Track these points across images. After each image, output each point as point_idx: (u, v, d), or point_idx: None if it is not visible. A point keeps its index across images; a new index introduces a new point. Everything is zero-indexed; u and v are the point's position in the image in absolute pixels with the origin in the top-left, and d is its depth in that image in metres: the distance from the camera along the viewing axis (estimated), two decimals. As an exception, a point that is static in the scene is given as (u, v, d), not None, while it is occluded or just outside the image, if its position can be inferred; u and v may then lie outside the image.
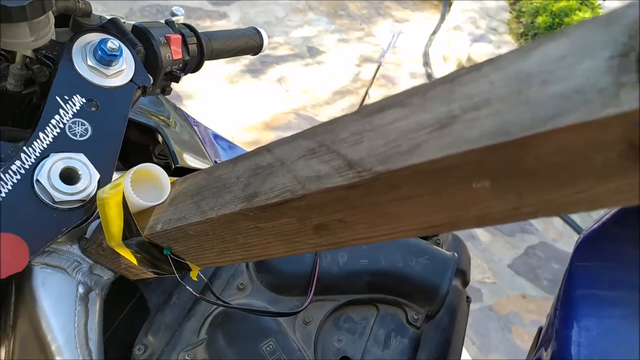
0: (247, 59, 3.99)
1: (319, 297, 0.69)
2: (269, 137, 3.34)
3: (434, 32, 5.24)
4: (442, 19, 5.47)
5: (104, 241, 0.65)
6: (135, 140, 1.13)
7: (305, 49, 4.44)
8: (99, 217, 0.71)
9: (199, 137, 1.16)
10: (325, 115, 3.72)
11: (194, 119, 1.23)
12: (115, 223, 0.60)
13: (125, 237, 0.59)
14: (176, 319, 0.71)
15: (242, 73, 3.88)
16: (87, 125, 0.68)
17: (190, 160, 1.09)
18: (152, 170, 0.60)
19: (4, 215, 0.59)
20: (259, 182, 0.45)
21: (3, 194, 0.59)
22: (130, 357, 0.74)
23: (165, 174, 0.60)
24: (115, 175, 0.70)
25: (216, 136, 1.26)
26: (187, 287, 0.56)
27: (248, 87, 3.78)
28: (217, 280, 0.70)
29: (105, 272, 0.71)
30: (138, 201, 0.57)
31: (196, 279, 0.60)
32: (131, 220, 0.57)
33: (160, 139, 1.05)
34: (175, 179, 0.62)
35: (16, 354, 0.67)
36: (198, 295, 0.57)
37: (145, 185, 0.61)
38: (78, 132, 0.67)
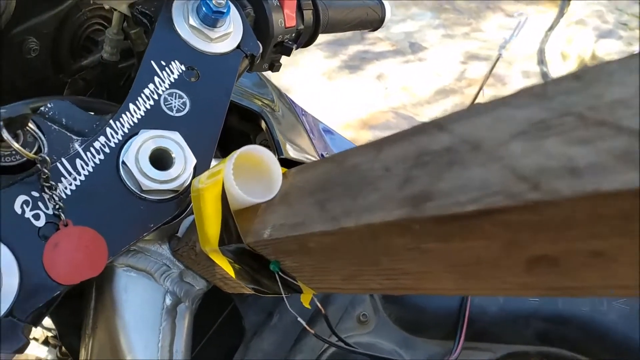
0: (346, 54, 3.86)
1: (468, 345, 0.51)
2: (366, 136, 3.17)
3: (551, 28, 4.75)
4: (561, 13, 4.95)
5: (197, 244, 0.52)
6: (233, 126, 1.01)
7: (407, 44, 4.22)
8: (193, 213, 0.58)
9: (305, 129, 1.02)
10: (426, 115, 3.48)
11: (301, 108, 1.09)
12: (211, 222, 0.46)
13: (222, 242, 0.45)
14: (277, 347, 0.57)
15: (340, 69, 3.76)
16: (185, 98, 0.55)
17: (294, 153, 0.95)
18: (260, 154, 0.45)
19: (81, 203, 0.47)
20: (429, 176, 0.28)
21: (82, 177, 0.48)
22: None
23: (277, 161, 0.45)
24: (213, 163, 0.57)
25: (326, 130, 1.11)
26: (301, 321, 0.40)
27: (346, 83, 3.64)
28: (330, 306, 0.54)
29: (198, 280, 0.58)
30: (241, 195, 0.42)
31: (309, 306, 0.44)
32: (231, 220, 0.43)
33: (263, 125, 0.92)
34: (286, 169, 0.47)
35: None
36: (312, 332, 0.41)
37: (251, 176, 0.47)
38: (174, 106, 0.54)
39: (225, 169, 0.43)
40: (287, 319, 0.59)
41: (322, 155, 0.96)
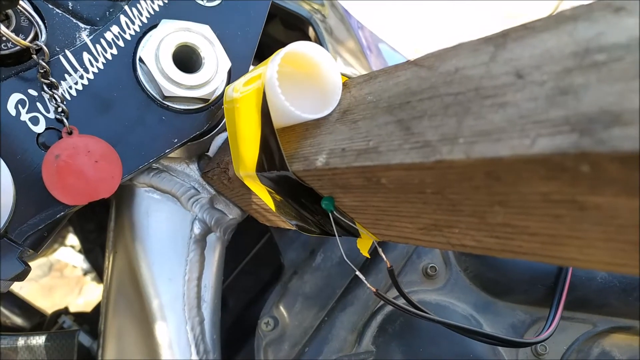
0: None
1: (564, 314, 0.41)
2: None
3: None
4: None
5: (230, 167, 0.43)
6: (276, 36, 0.88)
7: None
8: (225, 130, 0.49)
9: (361, 44, 0.88)
10: None
11: (357, 20, 0.94)
12: (248, 141, 0.36)
13: (261, 168, 0.36)
14: (319, 292, 0.49)
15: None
16: (220, -16, 0.43)
17: (350, 73, 0.83)
18: (313, 54, 0.34)
19: (89, 108, 0.38)
20: (614, 84, 0.16)
21: (90, 75, 0.38)
22: (250, 322, 0.54)
23: (335, 65, 0.34)
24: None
25: (388, 50, 0.96)
26: (360, 276, 0.31)
27: (407, 5, 3.35)
28: (390, 252, 0.45)
29: (231, 208, 0.49)
30: (287, 107, 0.32)
31: (367, 255, 0.34)
32: (273, 139, 0.33)
33: (311, 34, 0.79)
34: (348, 77, 0.36)
35: (112, 294, 0.50)
36: (374, 290, 0.32)
37: (300, 85, 0.36)
38: (206, -7, 0.43)
39: (267, 72, 0.32)
40: (333, 260, 0.51)
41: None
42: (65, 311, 0.70)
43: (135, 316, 0.47)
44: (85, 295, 1.63)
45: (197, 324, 0.47)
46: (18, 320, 0.77)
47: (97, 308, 0.75)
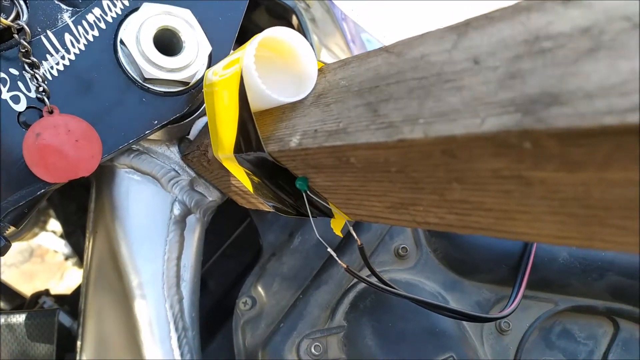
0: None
1: (526, 293, 0.43)
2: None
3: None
4: None
5: (209, 149, 0.44)
6: (260, 23, 0.89)
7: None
8: (205, 114, 0.50)
9: (344, 35, 0.89)
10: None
11: (341, 10, 0.95)
12: (226, 124, 0.37)
13: (239, 150, 0.37)
14: (297, 273, 0.50)
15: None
16: (202, -31, 0.44)
17: (330, 62, 0.84)
18: (289, 40, 0.35)
19: (70, 88, 0.39)
20: (556, 69, 0.18)
21: (72, 56, 0.39)
22: (230, 304, 0.56)
23: (312, 51, 0.35)
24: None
25: (370, 40, 0.97)
26: (332, 252, 0.33)
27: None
28: (363, 233, 0.46)
29: (211, 190, 0.50)
30: (263, 90, 0.33)
31: (340, 234, 0.36)
32: (250, 122, 0.34)
33: (295, 23, 0.80)
34: (324, 62, 0.37)
35: (92, 273, 0.51)
36: (345, 266, 0.33)
37: (278, 70, 0.37)
38: (187, -22, 0.43)
39: (244, 56, 0.33)
40: (310, 242, 0.52)
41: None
42: (45, 293, 0.71)
43: (115, 295, 0.48)
44: (66, 280, 1.63)
45: (176, 302, 0.48)
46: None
47: (78, 290, 0.75)
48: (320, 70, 0.36)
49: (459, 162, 0.22)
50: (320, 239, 0.33)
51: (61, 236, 1.32)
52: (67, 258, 1.29)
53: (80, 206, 0.75)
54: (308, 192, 0.34)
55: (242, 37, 0.48)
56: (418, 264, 0.45)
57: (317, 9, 0.91)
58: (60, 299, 0.74)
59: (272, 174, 0.37)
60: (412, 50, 0.28)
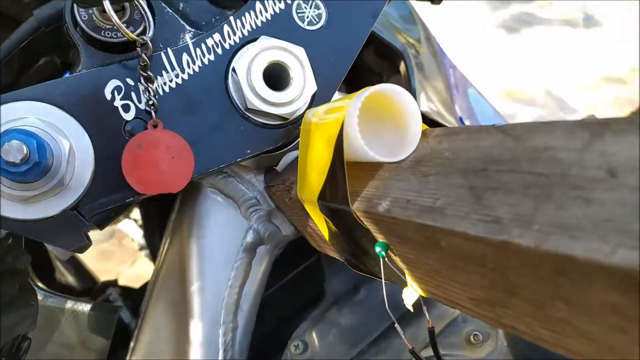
0: (507, 12, 3.46)
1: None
2: (507, 109, 2.85)
3: None
4: None
5: (294, 187, 0.44)
6: (366, 61, 0.89)
7: (581, 16, 3.66)
8: (298, 149, 0.49)
9: (449, 83, 0.87)
10: (582, 103, 3.03)
11: (450, 59, 0.93)
12: (316, 168, 0.37)
13: (323, 197, 0.36)
14: (355, 328, 0.48)
15: (496, 27, 3.38)
16: (323, 9, 0.44)
17: (428, 109, 0.81)
18: (399, 99, 0.33)
19: (177, 106, 0.40)
20: None
21: (185, 75, 0.40)
22: (280, 339, 0.54)
23: (419, 113, 0.33)
24: (335, 97, 0.46)
25: (476, 96, 0.94)
26: (399, 329, 0.30)
27: (498, 45, 3.28)
28: (433, 310, 0.43)
29: (286, 225, 0.50)
30: (362, 146, 0.32)
31: (411, 309, 0.33)
32: (341, 173, 0.33)
33: (402, 68, 0.79)
34: (428, 126, 0.35)
35: (159, 281, 0.52)
36: (410, 347, 0.31)
37: (380, 124, 0.36)
38: (307, 17, 0.44)
39: (349, 108, 0.32)
40: (376, 299, 0.50)
41: (460, 119, 0.81)
42: (114, 283, 0.74)
43: (175, 308, 0.49)
44: (137, 268, 1.72)
45: (230, 330, 0.47)
46: (70, 280, 0.82)
47: (144, 286, 0.78)
48: (423, 134, 0.34)
49: (570, 283, 0.19)
50: (388, 309, 0.30)
51: (140, 226, 1.40)
52: (141, 248, 1.35)
53: (164, 210, 0.79)
54: (386, 259, 0.32)
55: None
56: (491, 356, 0.40)
57: (425, 53, 0.90)
58: (126, 290, 0.77)
59: (352, 229, 0.35)
60: (534, 138, 0.25)
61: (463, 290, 0.28)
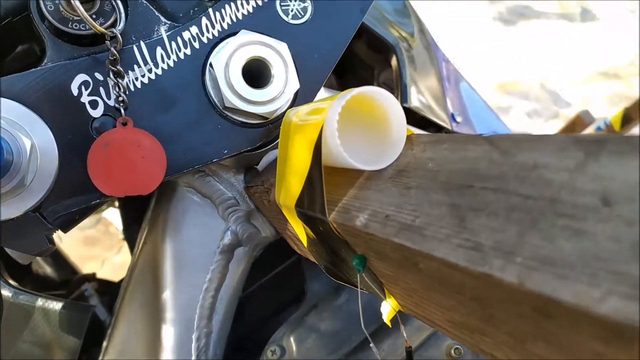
0: (503, 4, 3.43)
1: None
2: (501, 102, 2.83)
3: None
4: None
5: (273, 189, 0.42)
6: (357, 54, 0.87)
7: (578, 10, 3.64)
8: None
9: (441, 76, 0.85)
10: (576, 97, 3.02)
11: (443, 53, 0.91)
12: (294, 174, 0.35)
13: (301, 204, 0.34)
14: (334, 334, 0.46)
15: (492, 20, 3.35)
16: (309, 3, 0.42)
17: (419, 104, 0.79)
18: (382, 103, 0.31)
19: (149, 103, 0.38)
20: None
21: (159, 70, 0.38)
22: (258, 340, 0.53)
23: (403, 119, 0.32)
24: (321, 94, 0.44)
25: (468, 91, 0.92)
26: (374, 347, 0.29)
27: (494, 37, 3.25)
28: (412, 322, 0.41)
29: (266, 227, 0.48)
30: (341, 153, 0.30)
31: (389, 324, 0.32)
32: (319, 182, 0.31)
33: (393, 63, 0.77)
34: (414, 131, 0.33)
35: (133, 281, 0.50)
36: (386, 368, 0.29)
37: (362, 127, 0.34)
38: (292, 10, 0.41)
39: (329, 111, 0.30)
40: (357, 304, 0.48)
41: (452, 116, 0.79)
42: (92, 277, 0.72)
43: (148, 309, 0.47)
44: (122, 255, 1.70)
45: (204, 335, 0.45)
46: (48, 271, 0.80)
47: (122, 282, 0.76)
48: (408, 139, 0.32)
49: (554, 326, 0.17)
50: (364, 328, 0.29)
51: (125, 215, 1.37)
52: (125, 238, 1.33)
53: (142, 203, 0.77)
54: (363, 274, 0.30)
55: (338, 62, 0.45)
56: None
57: (418, 46, 0.87)
58: (104, 285, 0.75)
59: (330, 239, 0.33)
60: (522, 153, 0.23)
61: (441, 312, 0.26)
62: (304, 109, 0.36)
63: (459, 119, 0.79)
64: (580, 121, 1.91)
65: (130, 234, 0.81)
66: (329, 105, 0.31)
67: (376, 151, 0.32)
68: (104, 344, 0.52)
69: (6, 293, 0.52)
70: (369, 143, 0.33)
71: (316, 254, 0.39)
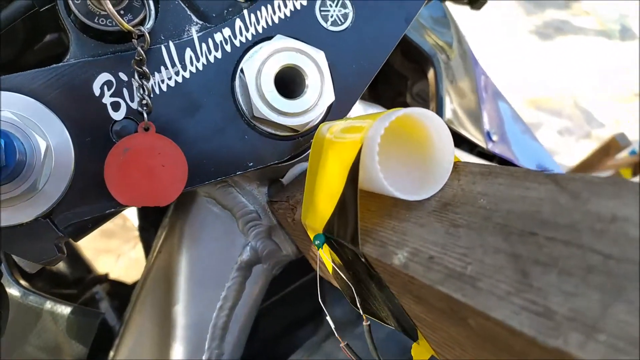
0: (540, 17, 3.35)
1: None
2: (532, 117, 2.76)
3: None
4: None
5: (298, 208, 0.39)
6: (392, 64, 0.83)
7: (618, 27, 3.54)
8: (307, 160, 0.44)
9: (478, 93, 0.81)
10: (610, 118, 2.92)
11: (481, 66, 0.87)
12: (325, 195, 0.32)
13: (330, 229, 0.31)
14: (354, 366, 0.43)
15: (528, 32, 3.28)
16: (350, 9, 0.39)
17: (454, 120, 0.76)
18: (430, 128, 0.28)
19: (173, 108, 0.35)
20: None
21: (186, 74, 0.35)
22: (269, 355, 0.50)
23: (452, 145, 0.28)
24: (356, 110, 0.41)
25: (506, 109, 0.88)
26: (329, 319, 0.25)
27: (529, 50, 3.18)
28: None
29: (287, 244, 0.45)
30: (380, 179, 0.26)
31: (421, 370, 0.28)
32: (352, 208, 0.28)
33: (430, 74, 0.73)
34: (459, 158, 0.30)
35: (144, 292, 0.48)
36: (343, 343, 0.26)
37: (402, 153, 0.30)
38: (332, 16, 0.38)
39: (370, 132, 0.27)
40: (380, 334, 0.45)
41: (488, 134, 0.75)
42: (104, 278, 0.70)
43: (158, 324, 0.45)
44: (137, 251, 1.69)
45: (214, 356, 0.43)
46: (61, 266, 0.79)
47: (134, 285, 0.74)
48: (454, 168, 0.29)
49: None
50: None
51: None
52: (141, 238, 1.31)
53: (160, 207, 0.75)
54: (397, 317, 0.27)
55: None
56: None
57: (456, 58, 0.84)
58: (115, 288, 0.73)
59: (360, 271, 0.30)
60: (597, 200, 0.20)
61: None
62: (339, 124, 0.33)
63: (494, 137, 0.75)
64: (615, 144, 1.84)
65: (146, 236, 0.80)
66: (370, 125, 0.28)
67: (417, 179, 0.29)
68: (111, 353, 0.50)
69: (15, 293, 0.51)
70: (409, 168, 0.30)
71: (341, 282, 0.36)
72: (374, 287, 0.30)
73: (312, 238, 0.36)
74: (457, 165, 0.29)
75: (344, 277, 0.34)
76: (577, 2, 3.72)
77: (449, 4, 0.82)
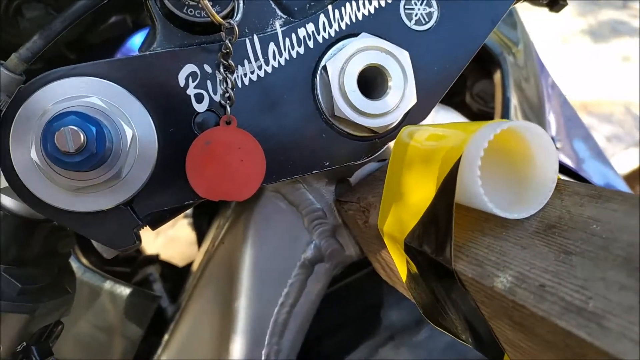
0: (595, 17, 3.21)
1: None
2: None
3: None
4: None
5: (372, 211, 0.38)
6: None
7: (679, 31, 3.36)
8: (384, 160, 0.43)
9: (543, 97, 0.78)
10: (661, 124, 2.78)
11: (548, 71, 0.83)
12: (409, 203, 0.31)
13: (413, 239, 0.30)
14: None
15: (581, 33, 3.15)
16: (435, 8, 0.37)
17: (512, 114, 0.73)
18: (534, 142, 0.27)
19: (255, 102, 0.34)
20: None
21: (269, 68, 0.35)
22: (319, 350, 0.50)
23: (556, 162, 0.27)
24: (437, 115, 0.40)
25: (570, 119, 0.84)
26: None
27: (581, 52, 3.05)
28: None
29: (351, 245, 0.44)
30: (480, 195, 0.25)
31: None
32: (444, 220, 0.27)
33: (497, 75, 0.71)
34: (565, 179, 0.28)
35: (204, 280, 0.48)
36: None
37: (498, 168, 0.29)
38: (416, 15, 0.37)
39: (471, 146, 0.26)
40: (440, 342, 0.44)
41: (552, 138, 0.72)
42: (155, 258, 0.71)
43: (217, 316, 0.45)
44: (176, 229, 1.72)
45: (273, 352, 0.43)
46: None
47: (186, 268, 0.75)
48: (558, 187, 0.27)
49: None
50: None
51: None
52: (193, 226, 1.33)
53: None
54: (484, 338, 0.26)
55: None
56: None
57: (522, 60, 0.80)
58: (168, 268, 0.74)
59: (443, 285, 0.29)
60: None
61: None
62: (422, 132, 0.32)
63: (558, 144, 0.72)
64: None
65: (198, 223, 0.80)
66: (466, 137, 0.27)
67: (515, 195, 0.28)
68: (165, 336, 0.50)
69: (75, 269, 0.52)
70: (505, 184, 0.28)
71: (415, 292, 0.35)
72: (454, 302, 0.29)
73: (387, 245, 0.35)
74: (558, 183, 0.27)
75: (419, 288, 0.33)
76: (636, 2, 3.55)
77: (521, 5, 0.78)
